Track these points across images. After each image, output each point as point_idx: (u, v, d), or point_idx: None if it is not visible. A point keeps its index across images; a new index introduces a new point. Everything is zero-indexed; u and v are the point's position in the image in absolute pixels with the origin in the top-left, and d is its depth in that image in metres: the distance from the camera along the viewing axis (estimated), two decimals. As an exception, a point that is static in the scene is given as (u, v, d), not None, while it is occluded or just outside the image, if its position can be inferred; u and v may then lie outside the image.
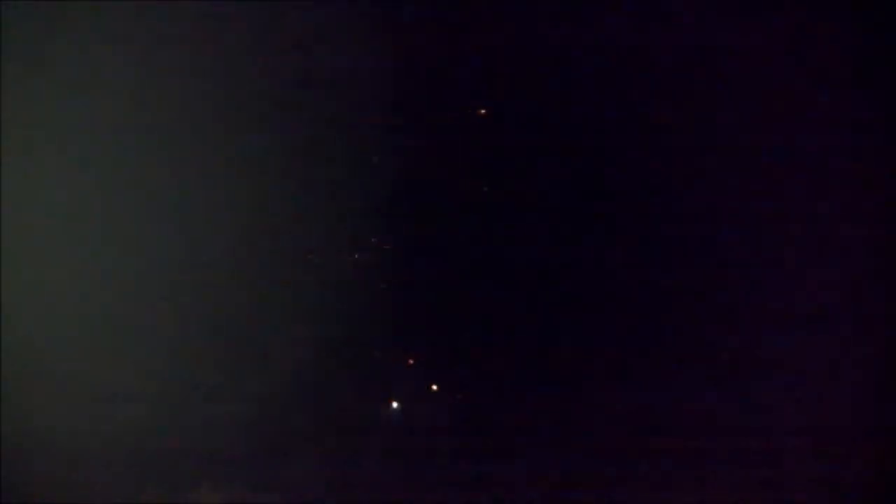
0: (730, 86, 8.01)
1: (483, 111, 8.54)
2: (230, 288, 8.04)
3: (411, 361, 8.46)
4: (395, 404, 8.36)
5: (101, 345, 7.62)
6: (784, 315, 7.77)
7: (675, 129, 8.14)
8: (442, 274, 8.44)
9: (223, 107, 8.18)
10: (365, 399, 8.28)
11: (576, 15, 8.06)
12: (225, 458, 7.67)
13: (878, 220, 7.60)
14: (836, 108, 7.69)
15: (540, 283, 8.43)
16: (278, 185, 8.28)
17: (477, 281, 8.42)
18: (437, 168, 8.47)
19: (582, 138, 8.33)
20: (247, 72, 8.26)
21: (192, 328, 7.86)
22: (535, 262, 8.45)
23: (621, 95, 8.24)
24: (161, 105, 7.99)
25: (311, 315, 8.08)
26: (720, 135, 8.03)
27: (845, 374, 7.43)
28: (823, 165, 7.73)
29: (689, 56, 7.98)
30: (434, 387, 8.35)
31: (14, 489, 6.84)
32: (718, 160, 8.03)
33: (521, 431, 8.09)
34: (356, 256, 8.50)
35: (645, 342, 8.08)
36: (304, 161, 8.23)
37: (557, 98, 8.33)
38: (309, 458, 7.89)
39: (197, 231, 8.00)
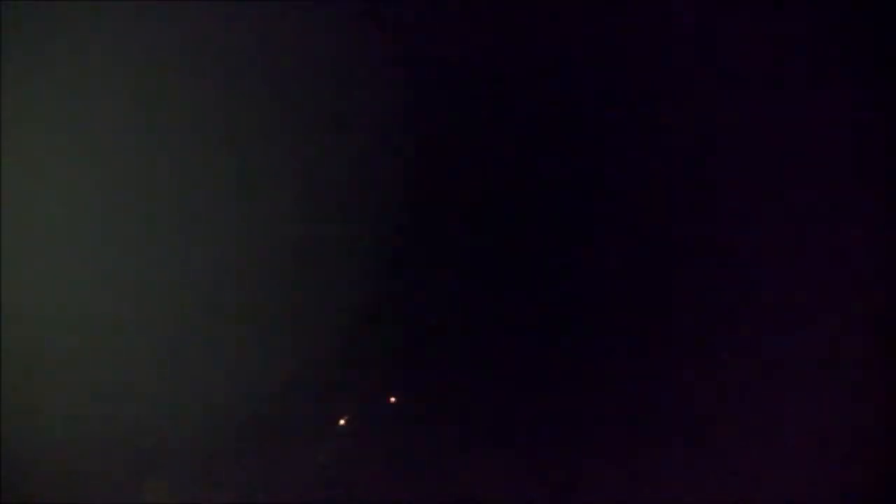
0: (732, 86, 8.02)
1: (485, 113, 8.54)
2: (230, 288, 8.03)
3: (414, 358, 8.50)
4: (392, 401, 8.41)
5: (101, 345, 7.58)
6: (785, 314, 7.79)
7: (676, 129, 8.16)
8: (441, 274, 8.46)
9: (224, 107, 8.17)
10: (364, 397, 8.30)
11: (578, 15, 8.06)
12: (223, 456, 7.66)
13: (878, 220, 7.61)
14: (837, 108, 7.69)
15: (541, 282, 8.44)
16: (279, 187, 8.27)
17: (478, 282, 8.43)
18: (438, 169, 8.47)
19: (583, 139, 8.35)
20: (248, 72, 8.25)
21: (191, 328, 7.86)
22: (538, 262, 8.47)
23: (623, 96, 8.26)
24: (161, 106, 7.99)
25: (309, 314, 8.08)
26: (722, 135, 8.05)
27: (846, 374, 7.45)
28: (825, 165, 7.75)
29: (691, 56, 8.00)
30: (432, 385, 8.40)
31: (14, 489, 6.80)
32: (720, 160, 8.05)
33: (521, 430, 8.14)
34: (356, 255, 8.49)
35: (647, 341, 8.11)
36: (304, 162, 8.22)
37: (560, 99, 8.35)
38: (307, 457, 7.92)
39: (196, 231, 7.99)
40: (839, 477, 7.10)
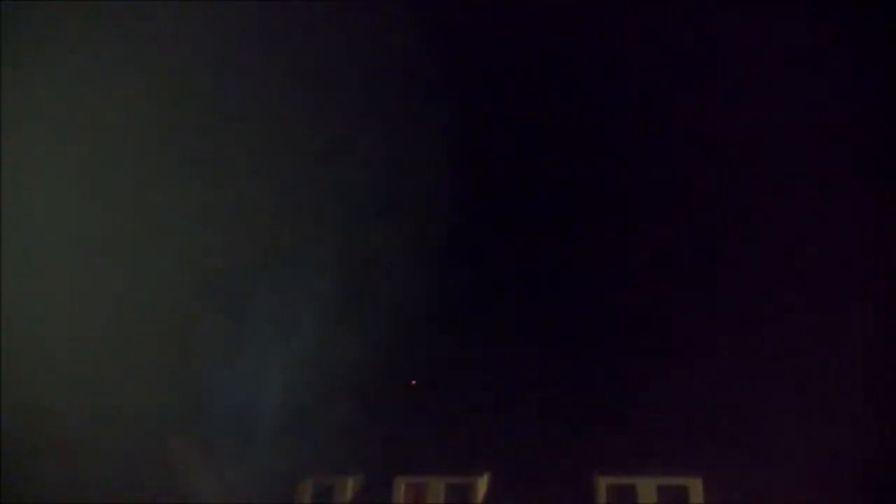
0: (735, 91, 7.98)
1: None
2: (230, 288, 8.14)
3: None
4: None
5: (102, 345, 7.57)
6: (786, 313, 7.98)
7: (677, 132, 8.18)
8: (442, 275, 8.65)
9: (226, 106, 8.11)
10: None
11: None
12: (225, 455, 7.92)
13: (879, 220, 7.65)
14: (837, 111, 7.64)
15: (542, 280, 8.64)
16: (284, 188, 8.30)
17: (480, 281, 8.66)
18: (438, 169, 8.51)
19: (583, 141, 8.37)
20: (249, 71, 8.17)
21: (192, 328, 7.94)
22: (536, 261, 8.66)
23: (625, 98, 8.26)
24: (161, 106, 7.97)
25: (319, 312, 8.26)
26: (724, 137, 8.05)
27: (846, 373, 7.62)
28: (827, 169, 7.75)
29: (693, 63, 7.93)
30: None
31: (14, 489, 6.72)
32: (724, 163, 8.10)
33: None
34: (358, 256, 8.62)
35: (651, 338, 8.34)
36: (306, 163, 8.23)
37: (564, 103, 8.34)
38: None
39: (196, 232, 8.01)
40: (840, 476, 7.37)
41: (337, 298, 8.33)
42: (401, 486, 8.52)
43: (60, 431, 7.24)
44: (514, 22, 7.95)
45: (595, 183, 8.41)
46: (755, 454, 8.17)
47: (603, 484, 8.77)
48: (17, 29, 7.41)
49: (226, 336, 8.05)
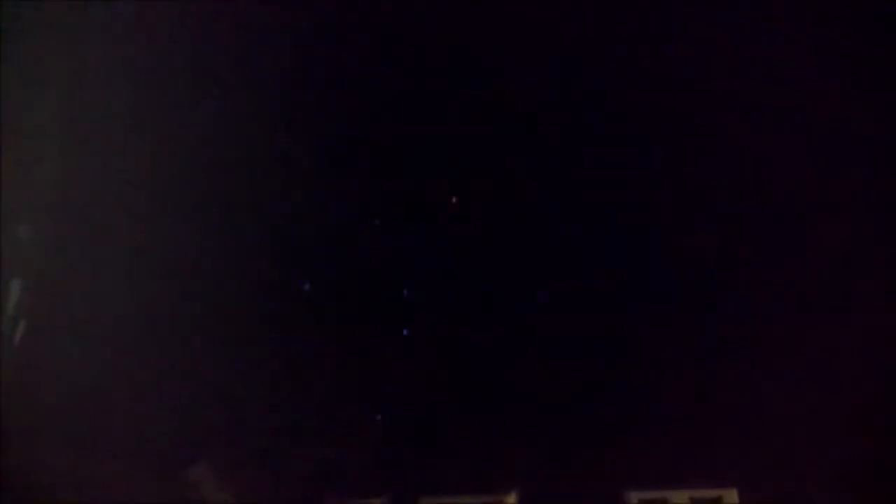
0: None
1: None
2: (229, 287, 7.92)
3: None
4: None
5: (103, 346, 7.28)
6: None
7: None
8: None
9: (223, 107, 8.11)
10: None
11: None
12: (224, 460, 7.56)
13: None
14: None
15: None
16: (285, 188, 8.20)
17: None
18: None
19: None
20: (247, 72, 8.18)
21: (190, 327, 7.71)
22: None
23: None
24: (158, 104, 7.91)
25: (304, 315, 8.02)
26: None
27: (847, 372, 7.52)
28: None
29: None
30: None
31: (14, 488, 6.40)
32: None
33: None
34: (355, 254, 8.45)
35: (651, 336, 8.17)
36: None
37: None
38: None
39: (195, 231, 7.87)
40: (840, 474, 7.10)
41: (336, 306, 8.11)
42: (426, 508, 8.36)
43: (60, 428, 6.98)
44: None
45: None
46: (792, 462, 7.95)
47: (635, 499, 8.58)
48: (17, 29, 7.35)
49: (226, 339, 7.73)
